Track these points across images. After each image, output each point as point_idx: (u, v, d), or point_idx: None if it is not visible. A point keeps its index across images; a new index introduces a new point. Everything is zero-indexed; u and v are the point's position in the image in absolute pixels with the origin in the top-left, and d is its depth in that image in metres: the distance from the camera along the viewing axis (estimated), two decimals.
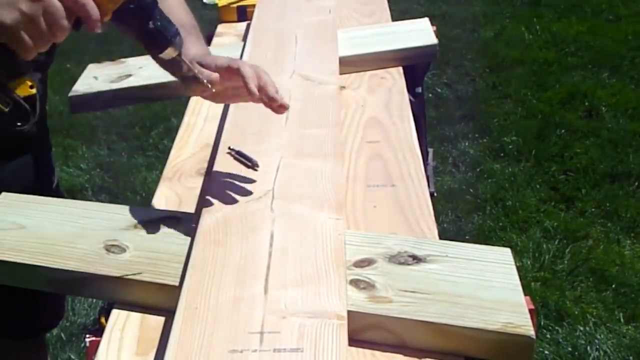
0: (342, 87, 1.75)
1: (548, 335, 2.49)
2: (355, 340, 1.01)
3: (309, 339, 0.93)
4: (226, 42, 2.14)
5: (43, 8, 0.99)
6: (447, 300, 1.04)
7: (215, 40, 2.15)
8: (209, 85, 1.21)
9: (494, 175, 3.41)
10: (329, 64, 1.75)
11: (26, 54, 1.02)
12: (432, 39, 1.94)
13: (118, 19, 1.10)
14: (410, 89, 1.83)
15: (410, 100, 1.74)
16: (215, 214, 1.17)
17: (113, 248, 1.17)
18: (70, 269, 1.14)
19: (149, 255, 1.16)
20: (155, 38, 1.15)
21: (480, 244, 1.22)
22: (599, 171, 3.38)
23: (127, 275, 1.11)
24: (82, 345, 2.48)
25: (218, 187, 1.28)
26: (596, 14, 5.06)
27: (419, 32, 1.99)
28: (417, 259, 1.12)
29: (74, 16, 1.02)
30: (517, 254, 2.83)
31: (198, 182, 1.43)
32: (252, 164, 1.33)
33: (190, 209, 1.33)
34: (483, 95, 4.16)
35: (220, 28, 2.26)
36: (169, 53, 1.16)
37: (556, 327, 2.52)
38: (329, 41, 1.88)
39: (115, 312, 1.11)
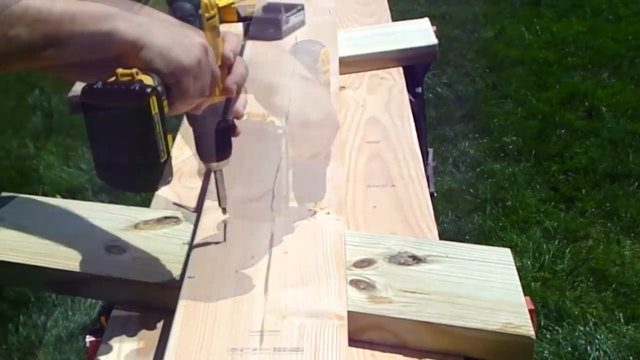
0: (342, 87, 1.75)
1: (548, 335, 2.49)
2: (355, 340, 1.01)
3: (309, 339, 0.93)
4: None
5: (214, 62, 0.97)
6: (447, 300, 1.04)
7: None
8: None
9: (494, 175, 3.41)
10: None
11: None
12: (432, 39, 1.94)
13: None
14: (410, 89, 1.83)
15: (410, 100, 1.74)
16: (215, 213, 1.17)
17: (113, 248, 1.17)
18: (70, 269, 1.13)
19: (149, 255, 1.16)
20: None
21: (480, 244, 1.22)
22: (599, 171, 3.38)
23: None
24: (82, 345, 2.48)
25: None
26: (596, 14, 5.06)
27: (419, 32, 1.99)
28: (417, 259, 1.12)
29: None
30: (517, 254, 2.83)
31: (198, 182, 1.43)
32: None
33: None
34: (483, 95, 4.15)
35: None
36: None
37: (556, 327, 2.52)
38: (329, 41, 1.88)
39: (115, 312, 1.11)
